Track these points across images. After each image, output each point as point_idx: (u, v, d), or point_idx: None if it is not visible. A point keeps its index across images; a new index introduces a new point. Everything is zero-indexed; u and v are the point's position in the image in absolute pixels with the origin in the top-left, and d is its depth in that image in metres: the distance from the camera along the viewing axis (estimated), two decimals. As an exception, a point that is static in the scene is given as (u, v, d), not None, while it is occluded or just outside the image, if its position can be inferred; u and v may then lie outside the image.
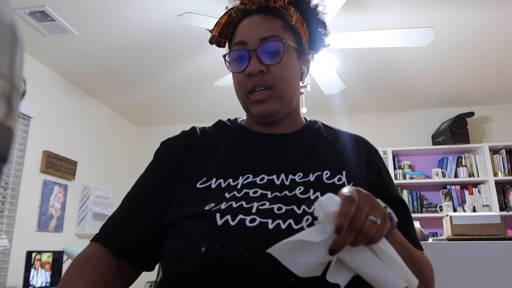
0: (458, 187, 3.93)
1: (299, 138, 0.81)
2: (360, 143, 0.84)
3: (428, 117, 4.30)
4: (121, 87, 3.75)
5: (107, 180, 4.08)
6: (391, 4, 2.53)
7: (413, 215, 3.80)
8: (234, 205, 0.66)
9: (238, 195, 0.68)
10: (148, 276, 3.89)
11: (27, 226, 3.03)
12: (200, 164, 0.76)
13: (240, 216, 0.64)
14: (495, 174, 3.81)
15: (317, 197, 0.68)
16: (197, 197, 0.70)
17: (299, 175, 0.72)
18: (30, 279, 2.79)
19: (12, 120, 0.25)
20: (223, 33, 0.83)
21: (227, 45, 0.85)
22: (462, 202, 3.87)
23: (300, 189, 0.69)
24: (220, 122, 0.87)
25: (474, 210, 3.78)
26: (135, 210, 0.76)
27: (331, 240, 0.54)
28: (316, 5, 0.84)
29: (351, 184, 0.72)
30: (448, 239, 1.69)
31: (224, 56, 0.81)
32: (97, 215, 3.77)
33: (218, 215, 0.64)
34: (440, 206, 3.87)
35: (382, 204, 0.57)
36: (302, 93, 0.88)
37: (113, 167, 4.23)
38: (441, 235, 3.73)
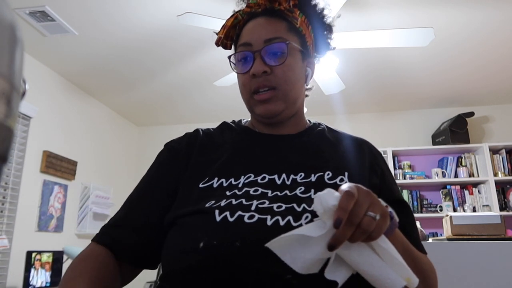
0: (458, 187, 3.93)
1: (303, 139, 0.82)
2: (364, 145, 0.84)
3: (428, 117, 4.30)
4: (121, 87, 3.75)
5: (107, 180, 4.08)
6: (391, 4, 2.53)
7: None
8: (234, 202, 0.66)
9: (239, 193, 0.68)
10: (148, 276, 3.89)
11: (27, 226, 3.03)
12: (202, 166, 0.77)
13: (239, 212, 0.64)
14: (495, 174, 3.81)
15: None
16: (199, 196, 0.70)
17: (301, 175, 0.72)
18: (30, 279, 2.79)
19: (12, 120, 0.25)
20: (229, 35, 0.84)
21: (233, 47, 0.86)
22: (462, 202, 3.87)
23: (301, 189, 0.70)
24: (224, 123, 0.88)
25: (474, 210, 3.77)
26: (135, 212, 0.76)
27: (330, 236, 0.54)
28: (322, 9, 0.85)
29: None
30: (448, 239, 1.69)
31: (229, 57, 0.82)
32: (97, 215, 3.77)
33: (217, 212, 0.65)
34: (440, 206, 3.87)
35: (383, 203, 0.57)
36: (307, 95, 0.88)
37: (113, 167, 4.23)
38: (441, 235, 3.73)
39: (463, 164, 3.96)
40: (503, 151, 3.89)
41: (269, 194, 0.68)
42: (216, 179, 0.72)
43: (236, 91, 3.69)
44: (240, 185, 0.70)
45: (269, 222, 0.63)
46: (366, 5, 2.54)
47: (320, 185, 0.71)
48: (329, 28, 0.86)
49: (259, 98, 0.77)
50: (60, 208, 3.38)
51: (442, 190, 3.97)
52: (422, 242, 0.80)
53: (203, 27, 2.31)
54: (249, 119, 0.89)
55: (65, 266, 3.16)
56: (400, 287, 0.55)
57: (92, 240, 0.75)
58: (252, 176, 0.72)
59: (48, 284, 2.93)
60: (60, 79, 3.50)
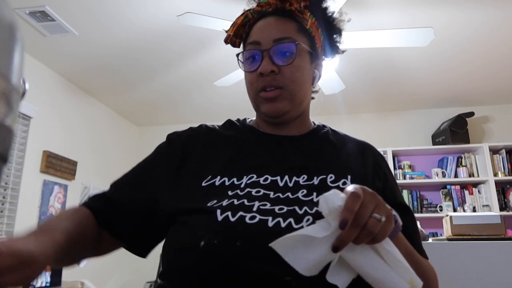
0: (458, 187, 3.93)
1: (306, 141, 0.82)
2: (367, 149, 0.84)
3: (428, 117, 4.30)
4: (121, 87, 3.75)
5: (107, 180, 4.05)
6: (391, 4, 2.53)
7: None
8: (236, 202, 0.66)
9: (241, 194, 0.68)
10: (148, 276, 3.90)
11: (27, 226, 3.03)
12: (206, 162, 0.77)
13: (241, 213, 0.64)
14: (495, 174, 3.81)
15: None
16: (201, 194, 0.70)
17: (303, 178, 0.72)
18: (30, 279, 2.78)
19: (12, 120, 0.25)
20: (238, 34, 0.84)
21: (241, 46, 0.87)
22: (462, 202, 3.87)
23: (303, 192, 0.70)
24: (229, 121, 0.88)
25: (474, 210, 3.77)
26: (122, 190, 0.79)
27: (334, 237, 0.54)
28: (333, 12, 0.85)
29: None
30: (448, 239, 1.69)
31: (237, 55, 0.82)
32: (97, 215, 3.77)
33: (218, 211, 0.65)
34: (440, 206, 3.87)
35: (388, 206, 0.57)
36: (313, 97, 0.88)
37: (113, 167, 4.23)
38: (441, 235, 3.73)
39: (463, 164, 3.96)
40: (503, 151, 3.89)
41: (271, 196, 0.68)
42: (218, 177, 0.72)
43: (236, 91, 3.69)
44: (242, 185, 0.70)
45: (270, 224, 0.63)
46: (366, 5, 2.54)
47: (322, 188, 0.70)
48: (338, 31, 0.86)
49: (265, 95, 0.77)
50: (60, 208, 3.38)
51: (442, 190, 3.97)
52: (422, 242, 0.80)
53: (203, 27, 2.31)
54: (254, 118, 0.89)
55: (65, 266, 3.16)
56: None
57: (80, 205, 0.76)
58: (255, 176, 0.72)
59: (48, 284, 2.93)
60: (60, 79, 3.50)
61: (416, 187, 4.03)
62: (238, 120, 0.89)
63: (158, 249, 0.79)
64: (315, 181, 0.72)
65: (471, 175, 3.90)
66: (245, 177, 0.72)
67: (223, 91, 3.71)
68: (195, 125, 0.88)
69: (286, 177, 0.72)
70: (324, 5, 0.84)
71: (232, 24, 0.84)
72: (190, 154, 0.78)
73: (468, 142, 3.97)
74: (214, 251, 0.61)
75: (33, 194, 3.12)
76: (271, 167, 0.74)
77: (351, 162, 0.78)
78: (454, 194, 3.91)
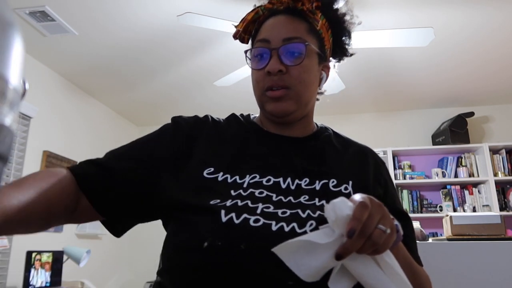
0: (458, 187, 3.93)
1: (309, 143, 0.82)
2: (369, 154, 0.84)
3: (428, 117, 4.30)
4: (121, 87, 3.75)
5: (107, 180, 4.07)
6: (391, 4, 2.53)
7: (413, 215, 3.80)
8: (240, 203, 0.66)
9: (244, 194, 0.68)
10: (148, 276, 3.90)
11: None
12: (209, 153, 0.76)
13: (245, 215, 0.64)
14: (495, 174, 3.81)
15: (322, 204, 0.68)
16: (202, 188, 0.70)
17: (305, 181, 0.72)
18: (30, 279, 2.79)
19: (12, 120, 0.25)
20: (247, 30, 0.83)
21: (250, 42, 0.86)
22: (462, 202, 3.87)
23: (305, 197, 0.70)
24: (233, 115, 0.87)
25: (474, 210, 3.78)
26: (118, 161, 0.75)
27: (337, 244, 0.54)
28: (344, 14, 0.84)
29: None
30: (448, 239, 1.69)
31: (245, 51, 0.81)
32: (97, 215, 3.77)
33: (223, 212, 0.64)
34: (440, 206, 3.87)
35: (391, 216, 0.58)
36: (317, 99, 0.88)
37: (113, 167, 4.23)
38: (441, 235, 3.73)
39: (463, 164, 3.96)
40: (503, 151, 3.89)
41: (274, 198, 0.68)
42: (221, 173, 0.71)
43: (236, 91, 3.68)
44: (245, 185, 0.70)
45: (274, 228, 0.63)
46: (366, 5, 2.54)
47: (324, 193, 0.71)
48: (348, 34, 0.86)
49: (271, 95, 0.76)
50: (60, 208, 3.38)
51: (442, 190, 3.97)
52: (423, 242, 0.81)
53: (203, 27, 2.31)
54: (258, 115, 0.88)
55: (65, 266, 3.16)
56: None
57: (66, 167, 0.73)
58: (258, 176, 0.71)
59: (48, 284, 2.93)
60: (60, 79, 3.50)
61: (416, 187, 4.03)
62: (242, 115, 0.88)
63: (158, 249, 0.78)
64: (317, 185, 0.72)
65: (471, 175, 3.90)
66: (247, 176, 0.71)
67: (223, 91, 3.71)
68: None
69: (289, 180, 0.72)
70: (335, 6, 0.83)
71: (242, 20, 0.83)
72: (195, 142, 0.77)
73: (468, 142, 3.97)
74: (217, 253, 0.61)
75: (33, 194, 3.11)
76: (274, 168, 0.74)
77: (352, 168, 0.78)
78: (454, 194, 3.91)
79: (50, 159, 3.27)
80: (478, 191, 3.88)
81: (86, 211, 0.72)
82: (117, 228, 0.76)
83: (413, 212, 3.88)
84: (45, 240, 3.17)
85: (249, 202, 0.66)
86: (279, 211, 0.66)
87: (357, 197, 0.56)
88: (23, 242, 2.93)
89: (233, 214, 0.64)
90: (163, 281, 0.68)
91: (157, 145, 0.78)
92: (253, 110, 0.88)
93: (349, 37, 0.86)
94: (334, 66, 0.91)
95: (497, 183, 3.78)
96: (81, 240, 3.60)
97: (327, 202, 0.65)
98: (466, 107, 4.18)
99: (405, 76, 3.55)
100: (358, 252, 0.54)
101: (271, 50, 0.76)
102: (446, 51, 3.11)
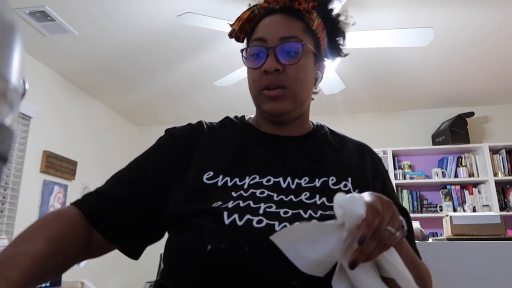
0: (458, 187, 3.93)
1: (306, 142, 0.82)
2: (366, 151, 0.84)
3: (428, 117, 4.30)
4: (121, 87, 3.75)
5: (107, 180, 4.07)
6: (391, 4, 2.53)
7: (413, 215, 3.80)
8: (242, 204, 0.66)
9: (245, 195, 0.68)
10: (148, 276, 3.90)
11: (27, 226, 3.03)
12: (207, 158, 0.76)
13: (248, 216, 0.64)
14: (495, 174, 3.81)
15: (323, 203, 0.68)
16: (204, 193, 0.69)
17: (305, 180, 0.72)
18: (30, 279, 2.78)
19: (12, 120, 0.25)
20: (243, 29, 0.83)
21: (245, 41, 0.85)
22: (462, 202, 3.87)
23: (306, 194, 0.70)
24: (227, 118, 0.87)
25: (474, 210, 3.77)
26: (122, 187, 0.74)
27: (339, 240, 0.53)
28: (339, 14, 0.84)
29: (356, 191, 0.72)
30: (448, 239, 1.69)
31: (242, 50, 0.80)
32: (97, 215, 3.77)
33: (225, 214, 0.64)
34: (440, 206, 3.87)
35: (398, 213, 0.58)
36: (313, 99, 0.88)
37: (113, 167, 4.19)
38: (441, 235, 3.73)
39: (463, 164, 3.96)
40: (503, 151, 3.89)
41: (275, 198, 0.68)
42: (221, 176, 0.71)
43: (236, 91, 3.68)
44: (245, 186, 0.69)
45: (277, 228, 0.62)
46: (366, 5, 2.54)
47: (324, 190, 0.71)
48: (342, 34, 0.86)
49: (268, 94, 0.76)
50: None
51: (442, 190, 3.97)
52: (423, 242, 0.81)
53: (203, 27, 2.31)
54: (253, 115, 0.88)
55: (65, 266, 3.16)
56: None
57: (71, 204, 0.72)
58: (257, 177, 0.71)
59: (48, 284, 2.93)
60: (60, 79, 3.50)
61: (416, 187, 4.03)
62: (236, 117, 0.88)
63: (158, 249, 0.78)
64: (317, 183, 0.72)
65: (471, 175, 3.90)
66: (247, 177, 0.71)
67: (223, 91, 3.71)
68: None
69: (289, 179, 0.72)
70: (330, 6, 0.83)
71: (238, 19, 0.83)
72: (192, 151, 0.77)
73: (468, 142, 3.97)
74: (221, 255, 0.60)
75: (33, 194, 3.12)
76: (273, 168, 0.73)
77: (351, 164, 0.78)
78: (454, 194, 3.91)
79: (50, 159, 3.27)
80: (478, 191, 3.88)
81: (101, 245, 0.72)
82: (134, 252, 0.76)
83: (413, 212, 3.88)
84: (45, 240, 3.17)
85: (251, 202, 0.66)
86: (281, 211, 0.65)
87: (367, 198, 0.55)
88: (23, 242, 2.93)
89: (236, 216, 0.63)
90: (166, 283, 0.67)
91: (156, 162, 0.77)
92: (253, 110, 0.88)
93: (344, 38, 0.86)
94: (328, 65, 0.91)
95: (497, 183, 3.78)
96: (81, 240, 3.60)
97: (328, 200, 0.65)
98: (466, 107, 4.18)
99: (405, 76, 3.55)
100: (369, 256, 0.54)
101: (267, 49, 0.76)
102: (446, 51, 3.11)
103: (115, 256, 0.88)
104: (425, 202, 3.96)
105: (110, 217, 0.71)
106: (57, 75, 3.47)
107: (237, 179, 0.71)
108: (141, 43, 2.96)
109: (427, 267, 0.77)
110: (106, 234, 0.71)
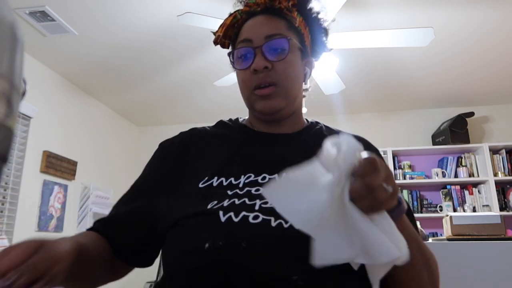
0: (458, 187, 3.93)
1: (301, 138, 0.82)
2: (362, 144, 0.83)
3: (428, 117, 4.30)
4: (121, 87, 3.75)
5: (107, 180, 4.08)
6: (391, 4, 2.53)
7: (413, 215, 3.80)
8: (237, 202, 0.66)
9: (241, 193, 0.68)
10: (148, 276, 3.90)
11: (27, 226, 3.03)
12: (201, 164, 0.76)
13: (243, 212, 0.64)
14: (495, 174, 3.81)
15: None
16: (199, 196, 0.70)
17: None
18: (30, 279, 2.78)
19: (12, 120, 0.25)
20: (227, 34, 0.85)
21: (230, 47, 0.87)
22: (462, 202, 3.87)
23: None
24: (221, 122, 0.88)
25: (474, 210, 3.78)
26: (121, 206, 0.78)
27: (332, 186, 0.50)
28: (318, 12, 0.85)
29: None
30: (448, 239, 1.69)
31: (229, 54, 0.82)
32: (97, 215, 3.77)
33: (221, 212, 0.64)
34: (440, 206, 3.87)
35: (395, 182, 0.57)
36: (304, 95, 0.89)
37: (113, 167, 4.23)
38: (441, 235, 3.73)
39: (463, 164, 3.96)
40: (503, 151, 3.89)
41: None
42: (215, 178, 0.72)
43: (236, 91, 3.68)
44: (241, 185, 0.70)
45: (273, 224, 0.62)
46: (366, 5, 2.54)
47: None
48: (325, 31, 0.87)
49: (260, 93, 0.77)
50: (60, 208, 3.38)
51: (442, 190, 3.97)
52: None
53: (203, 27, 2.31)
54: (246, 117, 0.89)
55: (65, 266, 3.16)
56: (394, 257, 0.51)
57: (91, 229, 0.75)
58: (253, 176, 0.71)
59: (48, 284, 2.93)
60: (60, 79, 3.50)
61: (416, 187, 4.03)
62: (230, 120, 0.88)
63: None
64: None
65: (471, 175, 3.90)
66: (242, 176, 0.71)
67: (223, 91, 3.71)
68: (195, 125, 0.88)
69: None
70: (310, 5, 0.84)
71: (221, 25, 0.84)
72: (185, 159, 0.78)
73: (468, 142, 3.97)
74: (219, 253, 0.61)
75: (33, 194, 3.12)
76: (268, 166, 0.73)
77: None
78: (454, 194, 3.91)
79: (50, 159, 3.27)
80: (478, 191, 3.88)
81: (123, 268, 0.77)
82: (147, 263, 0.79)
83: (413, 212, 3.87)
84: (45, 240, 3.17)
85: (246, 199, 0.66)
86: None
87: (364, 153, 0.53)
88: (23, 242, 2.93)
89: (231, 213, 0.64)
90: (166, 284, 0.67)
91: (150, 175, 0.81)
92: (253, 110, 0.88)
93: (326, 34, 0.87)
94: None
95: (497, 183, 3.78)
96: (81, 240, 3.60)
97: None
98: (466, 107, 4.18)
99: (405, 76, 3.55)
100: (357, 205, 0.51)
101: (254, 48, 0.77)
102: (446, 51, 3.11)
103: (115, 256, 0.89)
104: (425, 202, 3.96)
105: (127, 245, 0.75)
106: (57, 75, 3.47)
107: (232, 179, 0.71)
108: (141, 43, 2.96)
109: (431, 252, 0.74)
110: (134, 264, 0.76)
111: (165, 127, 4.76)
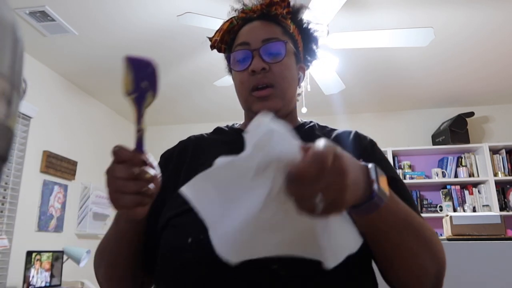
0: (458, 187, 3.93)
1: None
2: (352, 136, 0.82)
3: (428, 117, 4.30)
4: (121, 87, 3.74)
5: (107, 180, 4.07)
6: (391, 4, 2.53)
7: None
8: None
9: None
10: (148, 276, 3.90)
11: (27, 226, 3.03)
12: (196, 168, 0.77)
13: None
14: (495, 174, 3.81)
15: None
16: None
17: None
18: (30, 279, 2.79)
19: (12, 120, 0.25)
20: (223, 39, 0.88)
21: (226, 51, 0.90)
22: (462, 202, 3.87)
23: None
24: (218, 128, 0.90)
25: (474, 210, 3.78)
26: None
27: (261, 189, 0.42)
28: (309, 22, 0.89)
29: None
30: (448, 239, 1.69)
31: (226, 57, 0.85)
32: (97, 215, 3.77)
33: None
34: (440, 206, 3.87)
35: (374, 175, 0.52)
36: (297, 100, 0.91)
37: (113, 167, 4.22)
38: (441, 235, 3.73)
39: (463, 164, 3.96)
40: (503, 151, 3.89)
41: None
42: None
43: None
44: None
45: None
46: (366, 5, 2.54)
47: None
48: (315, 40, 0.90)
49: (258, 94, 0.79)
50: (60, 208, 3.38)
51: (442, 190, 3.97)
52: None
53: (203, 27, 2.31)
54: (242, 122, 0.91)
55: (65, 266, 3.16)
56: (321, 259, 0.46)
57: None
58: None
59: (48, 284, 2.93)
60: (60, 79, 3.50)
61: (416, 187, 4.03)
62: (227, 126, 0.91)
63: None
64: None
65: (471, 175, 3.90)
66: None
67: (223, 91, 3.71)
68: (195, 125, 0.89)
69: None
70: (302, 14, 0.88)
71: (218, 30, 0.87)
72: (183, 165, 0.80)
73: (468, 142, 3.97)
74: (201, 247, 0.62)
75: (33, 194, 3.12)
76: None
77: None
78: (454, 194, 3.91)
79: (50, 159, 3.27)
80: (478, 191, 3.88)
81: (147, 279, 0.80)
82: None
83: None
84: (45, 240, 3.17)
85: None
86: None
87: (317, 147, 0.43)
88: (23, 242, 2.93)
89: None
90: (160, 283, 0.69)
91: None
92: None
93: (316, 44, 0.91)
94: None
95: (497, 183, 3.78)
96: (81, 240, 3.60)
97: None
98: (466, 107, 4.18)
99: (405, 76, 3.55)
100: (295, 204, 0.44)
101: (252, 51, 0.79)
102: (446, 51, 3.11)
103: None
104: (425, 202, 3.96)
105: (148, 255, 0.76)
106: (57, 75, 3.47)
107: None
108: (141, 43, 2.96)
109: (431, 227, 0.70)
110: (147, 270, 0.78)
111: (165, 127, 4.76)
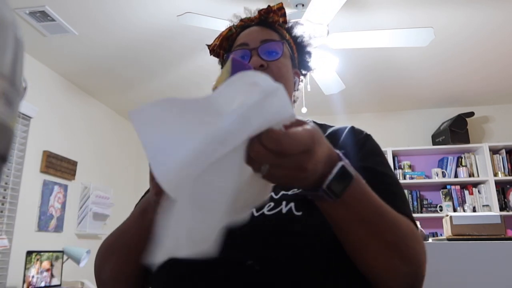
0: (458, 187, 3.93)
1: None
2: (347, 132, 0.81)
3: (428, 117, 4.30)
4: (121, 87, 3.75)
5: (107, 180, 4.08)
6: (391, 4, 2.53)
7: (413, 215, 3.80)
8: None
9: None
10: (148, 276, 3.89)
11: (27, 226, 3.03)
12: None
13: None
14: (495, 174, 3.81)
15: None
16: None
17: None
18: (30, 279, 2.79)
19: (12, 120, 0.25)
20: (222, 45, 0.92)
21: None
22: (462, 202, 3.87)
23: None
24: None
25: (474, 210, 3.78)
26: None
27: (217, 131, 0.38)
28: (302, 35, 0.94)
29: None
30: (448, 239, 1.69)
31: (225, 59, 0.89)
32: (97, 215, 3.77)
33: None
34: (440, 206, 3.87)
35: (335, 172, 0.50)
36: (293, 104, 0.92)
37: (113, 167, 4.23)
38: (441, 235, 3.73)
39: (463, 164, 3.96)
40: (503, 151, 3.89)
41: None
42: None
43: (236, 91, 3.62)
44: None
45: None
46: (366, 5, 2.54)
47: None
48: (308, 53, 0.94)
49: None
50: (60, 208, 3.38)
51: (442, 190, 3.97)
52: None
53: (203, 27, 2.31)
54: None
55: (65, 266, 3.16)
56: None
57: None
58: None
59: (48, 284, 2.93)
60: (60, 79, 3.50)
61: (416, 187, 4.03)
62: None
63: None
64: None
65: (471, 175, 3.90)
66: None
67: (223, 91, 3.71)
68: None
69: None
70: (296, 28, 0.93)
71: (218, 36, 0.92)
72: None
73: (468, 142, 3.97)
74: None
75: (33, 194, 3.12)
76: None
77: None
78: (454, 194, 3.91)
79: (50, 159, 3.27)
80: (478, 191, 3.88)
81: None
82: None
83: (413, 212, 3.88)
84: (45, 240, 3.17)
85: None
86: None
87: (301, 133, 0.44)
88: (23, 242, 2.93)
89: None
90: (154, 284, 0.72)
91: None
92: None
93: (309, 56, 0.95)
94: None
95: (497, 183, 3.78)
96: (81, 240, 3.60)
97: None
98: (466, 107, 4.18)
99: (405, 76, 3.55)
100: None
101: (250, 50, 0.83)
102: (446, 51, 3.11)
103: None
104: (425, 202, 3.96)
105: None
106: (57, 75, 3.47)
107: None
108: (141, 43, 2.96)
109: (411, 226, 0.65)
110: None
111: (165, 127, 4.76)
